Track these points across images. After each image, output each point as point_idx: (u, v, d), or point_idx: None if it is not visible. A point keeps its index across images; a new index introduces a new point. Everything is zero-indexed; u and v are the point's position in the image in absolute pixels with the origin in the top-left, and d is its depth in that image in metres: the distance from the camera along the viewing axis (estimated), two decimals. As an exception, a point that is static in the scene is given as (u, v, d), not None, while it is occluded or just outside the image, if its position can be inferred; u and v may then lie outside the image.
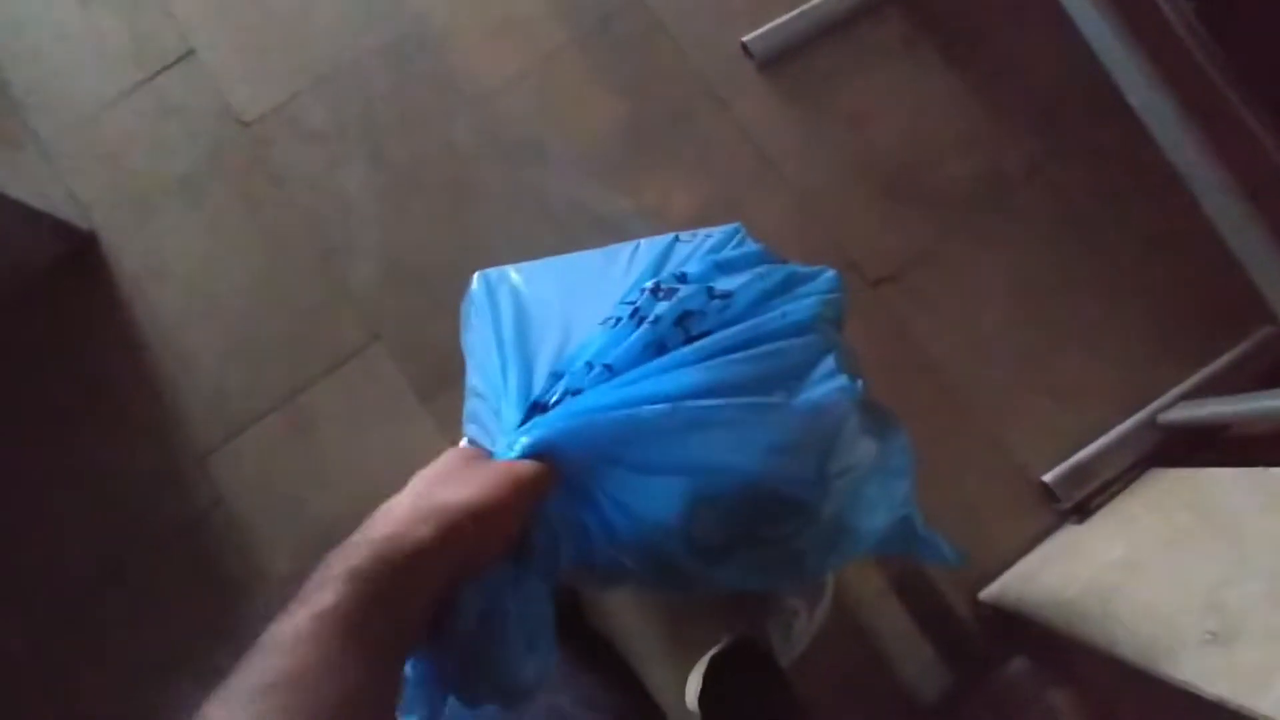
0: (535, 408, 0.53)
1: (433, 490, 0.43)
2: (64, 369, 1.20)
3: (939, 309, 1.18)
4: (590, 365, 0.53)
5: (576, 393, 0.53)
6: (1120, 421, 1.12)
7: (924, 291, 1.19)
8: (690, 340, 0.55)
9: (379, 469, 1.14)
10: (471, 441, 0.65)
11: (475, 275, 0.72)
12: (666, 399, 0.50)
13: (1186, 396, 1.11)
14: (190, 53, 1.31)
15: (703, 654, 0.98)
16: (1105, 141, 1.19)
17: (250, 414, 1.18)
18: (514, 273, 0.70)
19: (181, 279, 1.23)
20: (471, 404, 0.66)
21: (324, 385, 1.19)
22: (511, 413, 0.56)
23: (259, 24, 1.32)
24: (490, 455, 0.52)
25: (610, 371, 0.53)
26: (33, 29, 1.33)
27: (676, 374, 0.51)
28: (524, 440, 0.49)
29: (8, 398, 1.19)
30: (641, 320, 0.55)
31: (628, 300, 0.58)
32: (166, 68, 1.31)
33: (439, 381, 1.16)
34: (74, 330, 1.22)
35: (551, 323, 0.63)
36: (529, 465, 0.48)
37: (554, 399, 0.53)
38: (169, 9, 1.33)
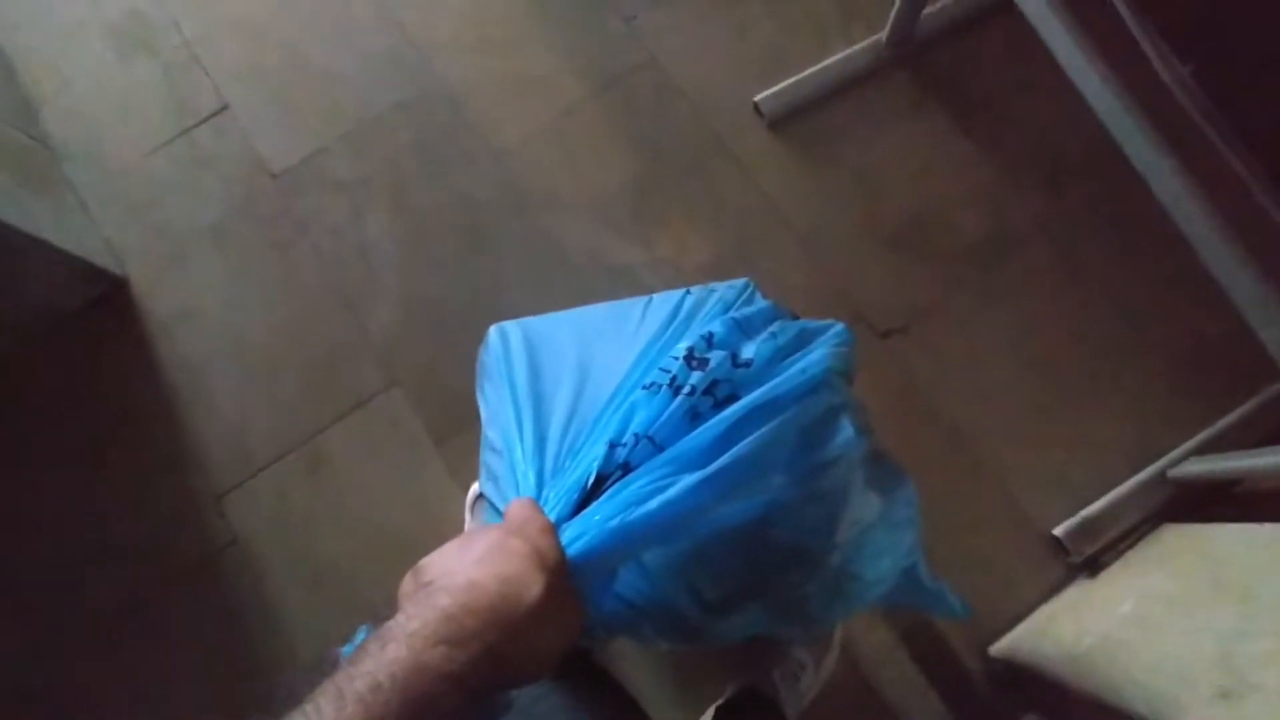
0: (598, 482, 0.56)
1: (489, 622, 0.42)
2: (91, 408, 1.23)
3: (947, 361, 1.20)
4: (638, 438, 0.57)
5: (626, 468, 0.56)
6: (1131, 475, 1.13)
7: (932, 343, 1.21)
8: (718, 404, 0.59)
9: (392, 510, 1.16)
10: (483, 495, 0.66)
11: (491, 329, 0.74)
12: (704, 484, 0.53)
13: (1197, 451, 1.12)
14: (224, 107, 1.37)
15: (710, 704, 0.98)
16: (1111, 198, 1.22)
17: (268, 454, 1.20)
18: (528, 326, 0.73)
19: (207, 322, 1.27)
20: (487, 457, 0.68)
21: (341, 427, 1.21)
22: (527, 469, 0.58)
23: (291, 81, 1.38)
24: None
25: (654, 445, 0.57)
26: (73, 81, 1.40)
27: (712, 456, 0.55)
28: (578, 543, 0.51)
29: (36, 434, 1.22)
30: (679, 390, 0.59)
31: (665, 367, 0.62)
32: (201, 121, 1.36)
33: (453, 425, 1.19)
34: (102, 370, 1.25)
35: (565, 379, 0.65)
36: (577, 614, 0.47)
37: (609, 477, 0.56)
38: (205, 65, 1.39)
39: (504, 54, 1.39)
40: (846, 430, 0.63)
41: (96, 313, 1.27)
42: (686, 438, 0.56)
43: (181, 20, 1.42)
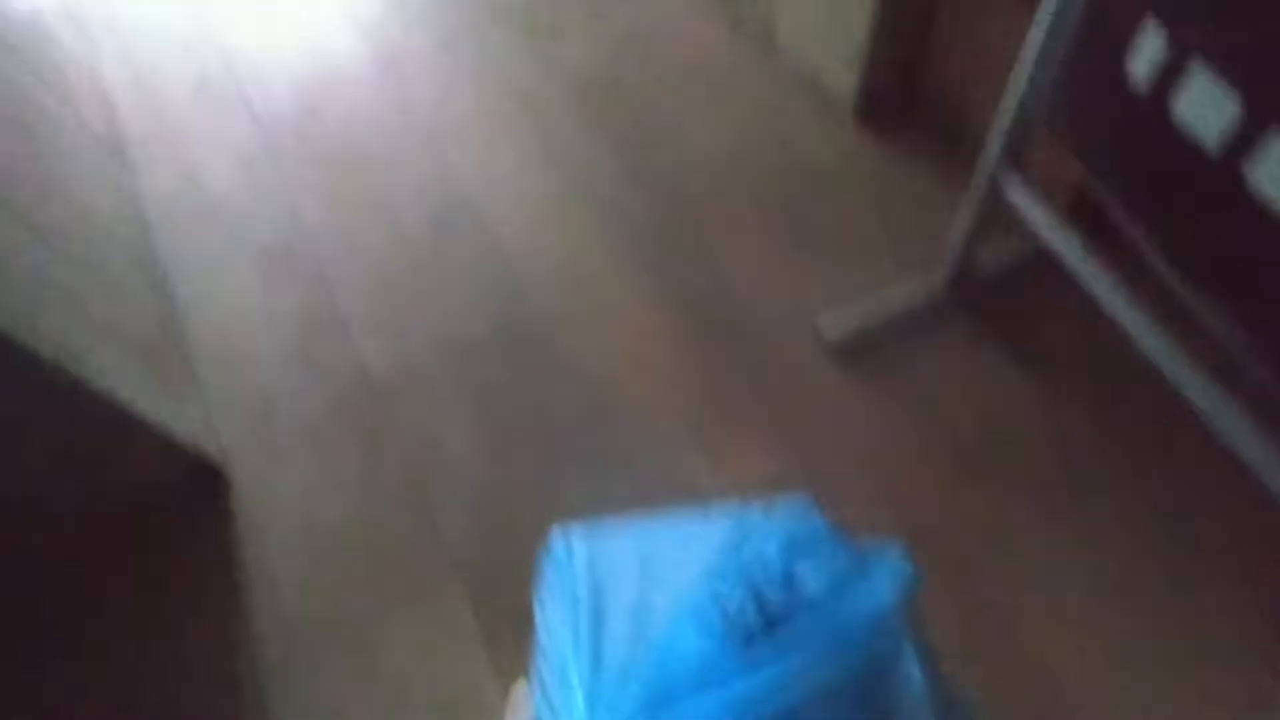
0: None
1: None
2: (156, 577, 1.29)
3: (1021, 588, 1.15)
4: (685, 667, 0.57)
5: (671, 695, 0.56)
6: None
7: (1003, 569, 1.17)
8: (770, 631, 0.58)
9: (431, 708, 1.14)
10: (531, 701, 0.65)
11: (555, 533, 0.76)
12: (749, 702, 0.53)
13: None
14: (344, 324, 1.54)
15: None
16: (1179, 428, 1.20)
17: (319, 638, 1.21)
18: (592, 535, 0.75)
19: (285, 508, 1.34)
20: (538, 663, 0.67)
21: (396, 621, 1.22)
22: (577, 689, 0.58)
23: (403, 302, 1.56)
24: None
25: (701, 675, 0.56)
26: (216, 292, 1.60)
27: (759, 680, 0.54)
28: None
29: (98, 596, 1.27)
30: (726, 615, 0.60)
31: (711, 590, 0.62)
32: (321, 336, 1.53)
33: (508, 631, 1.18)
34: (180, 546, 1.32)
35: (625, 597, 0.66)
36: None
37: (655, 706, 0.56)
38: (332, 287, 1.59)
39: (593, 285, 1.55)
40: (913, 676, 0.61)
41: (187, 491, 1.35)
42: (735, 671, 0.55)
43: (321, 251, 1.64)
